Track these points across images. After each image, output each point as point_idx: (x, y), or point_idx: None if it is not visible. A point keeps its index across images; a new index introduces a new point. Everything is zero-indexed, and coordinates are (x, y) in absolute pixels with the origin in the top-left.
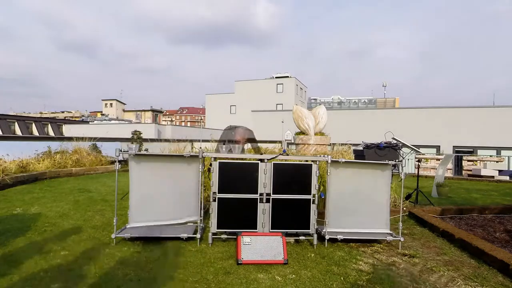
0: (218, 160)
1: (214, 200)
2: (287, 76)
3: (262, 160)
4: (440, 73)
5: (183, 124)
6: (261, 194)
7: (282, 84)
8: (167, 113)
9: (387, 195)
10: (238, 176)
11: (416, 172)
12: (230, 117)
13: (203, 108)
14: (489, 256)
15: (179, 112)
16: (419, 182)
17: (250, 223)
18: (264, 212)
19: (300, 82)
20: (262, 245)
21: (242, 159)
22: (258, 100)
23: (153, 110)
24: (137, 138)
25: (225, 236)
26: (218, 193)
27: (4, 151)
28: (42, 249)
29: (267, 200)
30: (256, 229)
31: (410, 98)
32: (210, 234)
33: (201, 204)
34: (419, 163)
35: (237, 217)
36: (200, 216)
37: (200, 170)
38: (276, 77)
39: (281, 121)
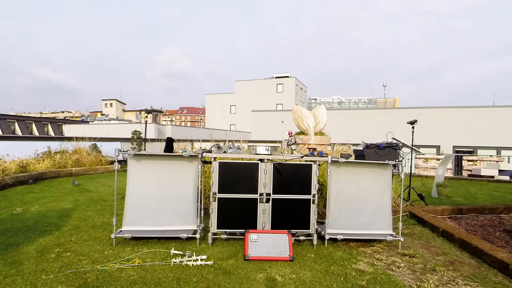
0: (218, 160)
1: (214, 200)
2: (287, 76)
3: (262, 160)
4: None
5: (183, 124)
6: (261, 194)
7: (282, 84)
8: (167, 113)
9: (388, 195)
10: (238, 176)
11: (414, 170)
12: (230, 117)
13: (203, 108)
14: (489, 256)
15: (179, 112)
16: (419, 181)
17: (250, 223)
18: (264, 212)
19: (300, 82)
20: (268, 242)
21: (242, 159)
22: (258, 100)
23: (153, 110)
24: (137, 138)
25: (225, 236)
26: (218, 193)
27: (4, 151)
28: (43, 250)
29: (267, 200)
30: (256, 229)
31: (410, 98)
32: (210, 234)
33: (200, 203)
34: (414, 150)
35: (237, 217)
36: (200, 217)
37: (200, 170)
38: (276, 77)
39: (281, 121)
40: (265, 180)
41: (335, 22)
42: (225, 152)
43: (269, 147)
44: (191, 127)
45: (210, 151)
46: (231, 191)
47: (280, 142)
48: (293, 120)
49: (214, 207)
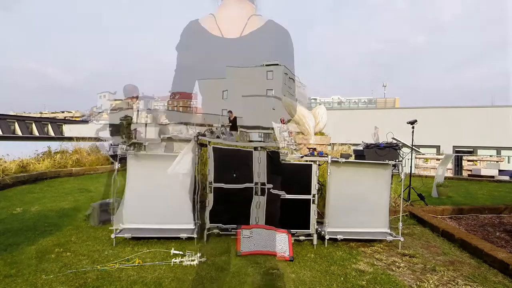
0: (212, 145)
1: (211, 192)
2: (277, 64)
3: (256, 148)
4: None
5: (175, 109)
6: (256, 184)
7: (272, 71)
8: (159, 99)
9: (387, 195)
10: (233, 163)
11: (414, 170)
12: (222, 103)
13: (195, 93)
14: (489, 256)
15: (171, 98)
16: (419, 181)
17: (244, 215)
18: (258, 205)
19: (290, 71)
20: (262, 237)
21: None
22: (249, 86)
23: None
24: (127, 124)
25: (219, 232)
26: (214, 183)
27: (4, 151)
28: (43, 250)
29: (262, 193)
30: (249, 220)
31: (410, 98)
32: (205, 231)
33: (197, 196)
34: (414, 150)
35: (232, 208)
36: (197, 211)
37: (196, 154)
38: (266, 65)
39: (272, 108)
40: (259, 169)
41: None
42: (218, 137)
43: (262, 134)
44: (184, 113)
45: (204, 135)
46: (226, 180)
47: (272, 129)
48: (293, 120)
49: (210, 199)
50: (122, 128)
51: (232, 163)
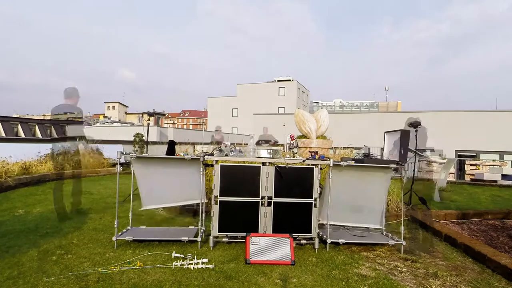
0: (220, 163)
1: (216, 203)
2: (289, 80)
3: (264, 164)
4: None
5: (185, 127)
6: (262, 198)
7: (284, 87)
8: (170, 116)
9: (385, 197)
10: (240, 179)
11: (417, 173)
12: (232, 120)
13: (205, 111)
14: (492, 261)
15: (181, 115)
16: (421, 185)
17: (251, 226)
18: (265, 215)
19: (302, 85)
20: (270, 246)
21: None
22: (260, 103)
23: (155, 113)
24: (139, 140)
25: (227, 239)
26: (220, 196)
27: (7, 153)
28: (45, 252)
29: (269, 204)
30: (257, 232)
31: (412, 101)
32: (211, 237)
33: (202, 206)
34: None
35: (238, 220)
36: (201, 220)
37: (202, 172)
38: (278, 80)
39: (282, 125)
40: (267, 183)
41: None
42: (226, 155)
43: (271, 150)
44: (193, 130)
45: (212, 154)
46: (233, 194)
47: (282, 145)
48: (295, 123)
49: (215, 210)
50: (135, 143)
51: (239, 177)
